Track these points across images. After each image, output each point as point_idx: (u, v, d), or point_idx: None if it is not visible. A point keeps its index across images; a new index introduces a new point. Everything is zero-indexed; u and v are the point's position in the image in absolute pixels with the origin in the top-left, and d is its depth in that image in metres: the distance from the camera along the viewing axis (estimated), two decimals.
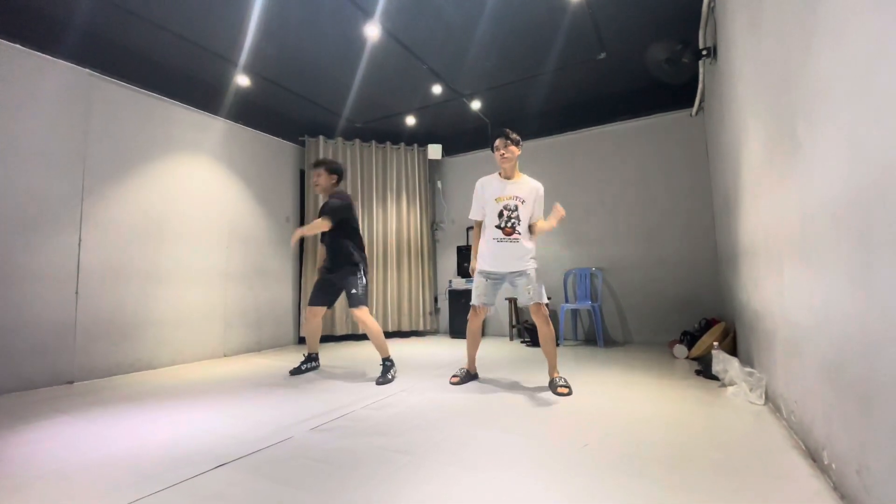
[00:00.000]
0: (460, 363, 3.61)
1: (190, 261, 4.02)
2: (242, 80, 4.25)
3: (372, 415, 2.21)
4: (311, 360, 3.37)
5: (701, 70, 3.62)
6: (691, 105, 4.24)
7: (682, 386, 2.64)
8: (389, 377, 2.93)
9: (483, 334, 5.34)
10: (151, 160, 3.77)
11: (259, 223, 4.76)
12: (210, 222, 4.23)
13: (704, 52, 3.24)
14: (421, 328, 5.56)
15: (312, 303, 3.25)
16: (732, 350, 3.05)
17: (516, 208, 2.72)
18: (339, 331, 5.10)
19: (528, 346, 4.52)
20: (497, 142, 2.76)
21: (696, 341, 3.48)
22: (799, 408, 1.66)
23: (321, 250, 3.37)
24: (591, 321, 4.69)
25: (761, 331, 2.23)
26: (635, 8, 3.39)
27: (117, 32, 3.50)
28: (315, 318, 3.29)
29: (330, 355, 4.16)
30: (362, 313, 3.03)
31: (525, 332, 4.78)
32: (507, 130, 2.77)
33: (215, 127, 4.34)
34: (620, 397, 2.42)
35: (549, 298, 2.83)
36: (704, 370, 2.82)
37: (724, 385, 2.54)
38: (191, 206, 4.07)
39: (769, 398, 2.16)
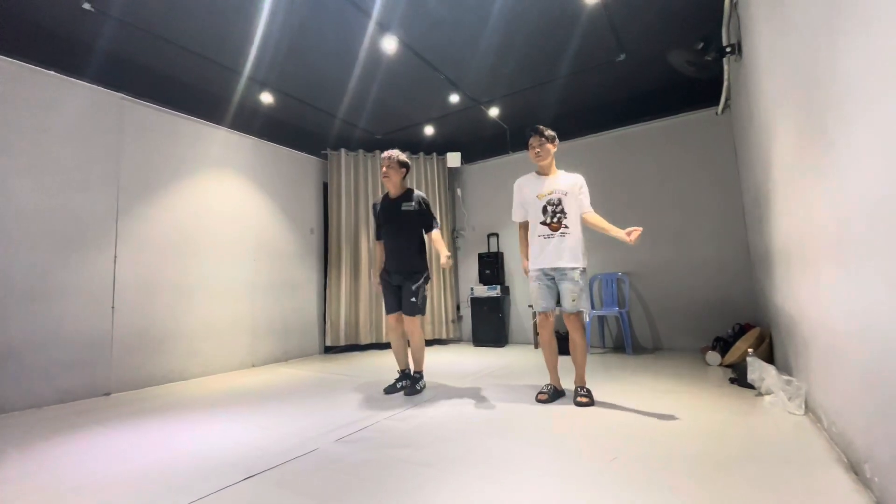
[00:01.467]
0: (484, 372, 3.60)
1: (219, 274, 4.13)
2: (266, 98, 4.39)
3: (396, 426, 2.21)
4: (404, 378, 3.00)
5: (726, 67, 3.52)
6: (716, 103, 4.13)
7: (716, 395, 2.55)
8: (418, 388, 2.92)
9: (507, 342, 5.29)
10: (181, 178, 3.91)
11: (285, 236, 4.87)
12: (238, 236, 4.35)
13: (728, 49, 3.15)
14: (444, 336, 5.55)
15: (393, 310, 2.94)
16: (769, 357, 2.92)
17: (560, 202, 2.58)
18: (364, 340, 5.14)
19: None
20: (531, 139, 2.65)
21: (729, 347, 3.35)
22: (840, 418, 1.57)
23: (367, 252, 2.93)
24: (619, 328, 4.58)
25: (798, 337, 2.14)
26: (654, 7, 3.33)
27: (146, 56, 3.66)
28: (398, 325, 2.96)
29: (354, 365, 4.19)
30: (416, 323, 2.89)
31: None
32: (541, 127, 2.63)
33: (241, 143, 4.48)
34: (651, 407, 2.35)
35: (592, 308, 2.70)
36: (739, 378, 2.72)
37: (760, 394, 2.44)
38: (219, 221, 4.19)
39: (809, 408, 2.06)
